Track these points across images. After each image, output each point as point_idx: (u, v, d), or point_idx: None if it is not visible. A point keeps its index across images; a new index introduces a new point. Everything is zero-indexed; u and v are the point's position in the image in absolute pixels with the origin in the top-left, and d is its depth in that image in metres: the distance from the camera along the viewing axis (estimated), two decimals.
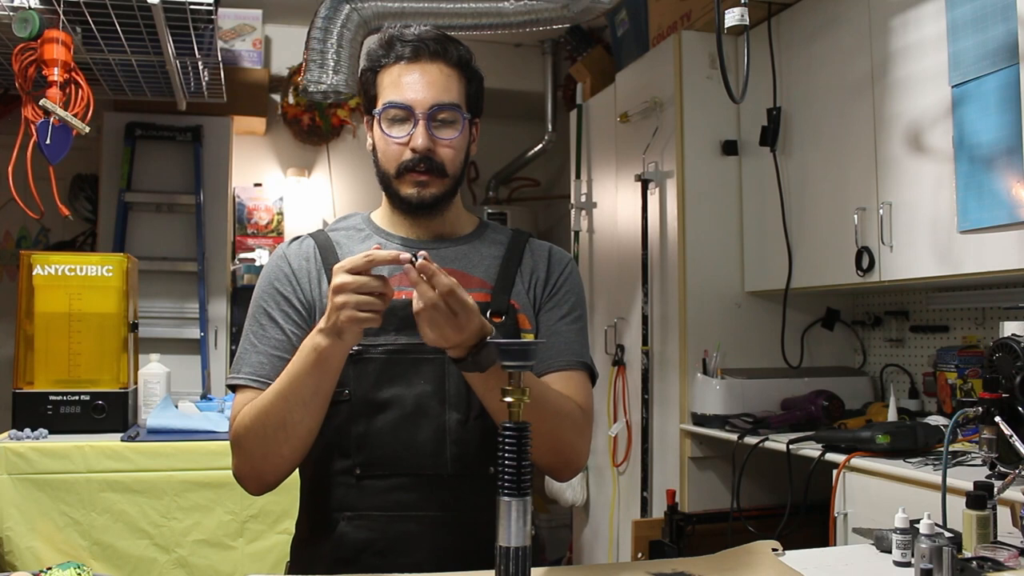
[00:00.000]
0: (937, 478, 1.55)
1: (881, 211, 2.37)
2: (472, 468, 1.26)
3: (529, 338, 1.33)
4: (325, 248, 1.34)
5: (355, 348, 1.23)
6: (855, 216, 2.45)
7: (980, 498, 1.25)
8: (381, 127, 1.29)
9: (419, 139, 1.27)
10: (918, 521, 1.22)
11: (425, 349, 1.24)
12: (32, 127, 2.44)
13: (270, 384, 1.25)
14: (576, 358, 1.34)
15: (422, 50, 1.29)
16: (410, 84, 1.28)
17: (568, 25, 3.47)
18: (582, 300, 1.41)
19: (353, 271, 1.10)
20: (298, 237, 1.38)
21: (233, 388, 1.31)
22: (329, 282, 1.27)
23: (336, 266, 1.11)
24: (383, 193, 1.36)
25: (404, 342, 1.26)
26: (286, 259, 1.33)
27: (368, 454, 1.25)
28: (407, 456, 1.25)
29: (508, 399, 1.00)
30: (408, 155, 1.28)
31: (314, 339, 1.15)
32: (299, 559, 1.33)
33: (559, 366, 1.32)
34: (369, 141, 1.36)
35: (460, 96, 1.31)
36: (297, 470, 1.31)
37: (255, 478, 1.27)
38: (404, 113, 1.28)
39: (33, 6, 2.49)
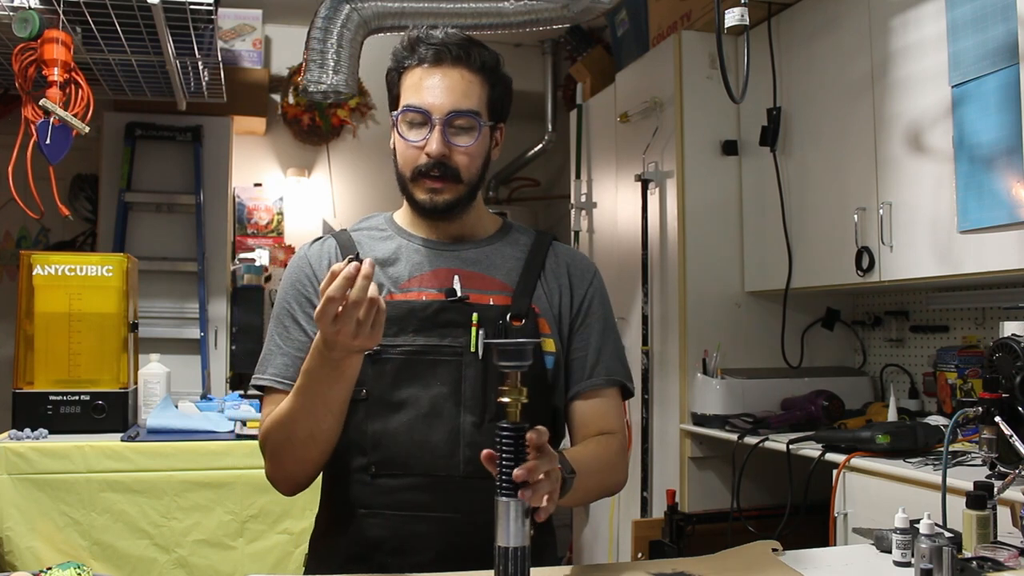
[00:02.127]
0: (937, 478, 1.55)
1: (881, 211, 2.37)
2: (485, 471, 1.24)
3: (549, 343, 1.33)
4: (347, 248, 1.34)
5: (374, 348, 1.24)
6: (855, 216, 2.45)
7: (980, 498, 1.25)
8: (399, 129, 1.29)
9: (434, 144, 1.27)
10: (918, 521, 1.22)
11: (443, 351, 1.27)
12: (32, 127, 2.44)
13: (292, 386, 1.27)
14: (609, 376, 1.36)
15: (444, 54, 1.28)
16: (429, 88, 1.28)
17: (568, 25, 3.47)
18: (610, 309, 1.42)
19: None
20: (320, 237, 1.39)
21: (260, 389, 1.33)
22: None
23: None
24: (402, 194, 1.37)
25: (422, 343, 1.27)
26: (307, 260, 1.35)
27: (383, 453, 1.26)
28: (421, 456, 1.25)
29: (505, 399, 1.01)
30: (423, 159, 1.28)
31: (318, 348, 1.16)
32: (316, 552, 1.35)
33: (594, 386, 1.35)
34: (392, 141, 1.36)
35: (480, 102, 1.30)
36: None
37: (287, 480, 1.29)
38: (421, 117, 1.28)
39: (33, 6, 2.50)
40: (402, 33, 1.36)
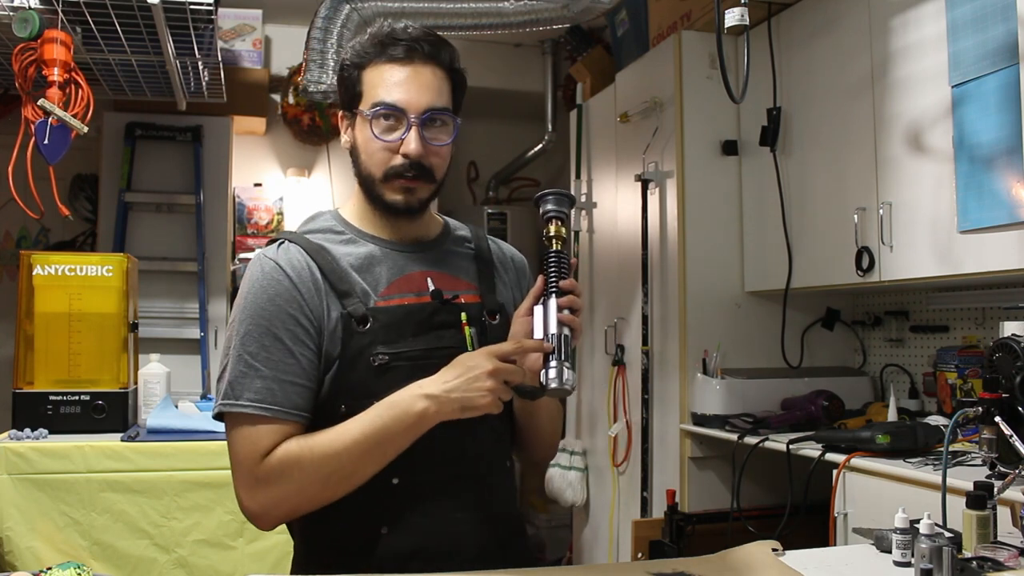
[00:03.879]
0: (937, 478, 1.55)
1: (881, 211, 2.37)
2: (495, 465, 1.30)
3: None
4: (316, 253, 1.26)
5: (383, 358, 1.22)
6: (855, 216, 2.45)
7: (980, 498, 1.25)
8: (371, 129, 1.24)
9: (412, 145, 1.23)
10: (918, 521, 1.22)
11: (443, 352, 1.24)
12: (32, 127, 2.44)
13: (283, 412, 1.18)
14: None
15: (416, 51, 1.25)
16: (402, 85, 1.24)
17: (568, 25, 3.47)
18: None
19: (505, 357, 1.16)
20: (280, 243, 1.28)
21: (222, 416, 1.22)
22: (334, 290, 1.24)
23: (488, 350, 1.17)
24: (361, 192, 1.32)
25: (423, 347, 1.25)
26: (282, 271, 1.23)
27: (404, 463, 1.21)
28: (442, 459, 1.25)
29: (551, 234, 1.26)
30: (399, 160, 1.24)
31: (420, 403, 1.16)
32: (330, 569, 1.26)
33: None
34: (346, 139, 1.31)
35: (450, 100, 1.28)
36: None
37: (283, 517, 1.22)
38: (395, 116, 1.24)
39: (33, 6, 2.49)
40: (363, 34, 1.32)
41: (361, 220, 1.33)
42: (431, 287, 1.29)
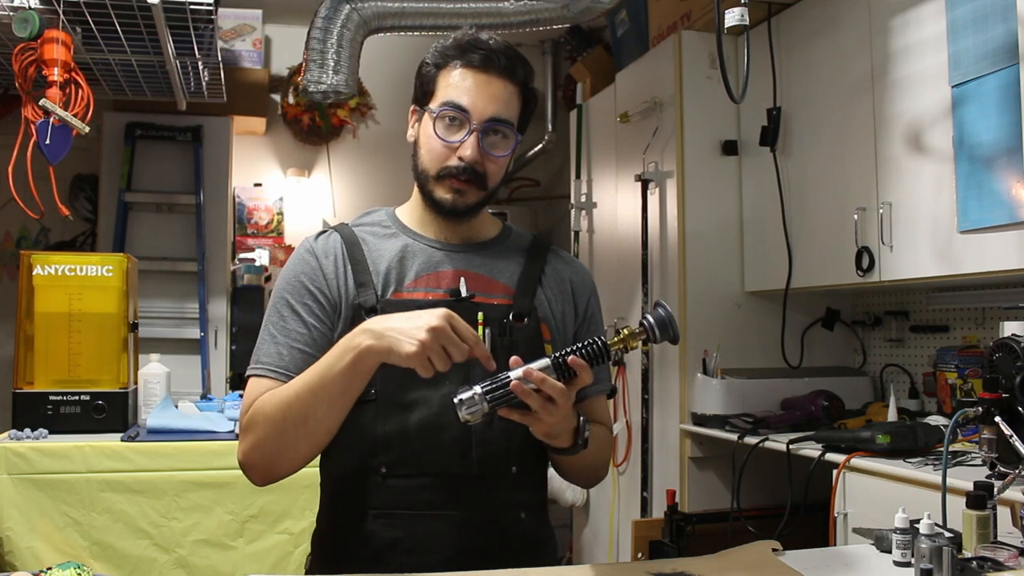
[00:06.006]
0: (937, 478, 1.55)
1: (881, 211, 2.37)
2: (497, 468, 1.28)
3: (548, 349, 1.34)
4: (351, 244, 1.33)
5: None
6: (855, 216, 2.45)
7: (980, 498, 1.25)
8: (434, 127, 1.28)
9: (468, 150, 1.27)
10: (918, 521, 1.22)
11: None
12: (32, 127, 2.44)
13: (283, 374, 1.25)
14: (607, 383, 1.43)
15: (492, 61, 1.28)
16: (473, 91, 1.27)
17: (568, 25, 3.47)
18: (601, 315, 1.48)
19: (460, 331, 1.11)
20: (324, 231, 1.37)
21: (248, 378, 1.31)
22: (355, 277, 1.30)
23: (450, 314, 1.11)
24: (416, 189, 1.36)
25: None
26: (313, 253, 1.33)
27: (395, 454, 1.25)
28: (433, 456, 1.25)
29: (619, 335, 1.15)
30: (455, 161, 1.28)
31: (359, 337, 1.15)
32: (322, 554, 1.34)
33: (595, 393, 1.39)
34: (411, 132, 1.35)
35: (516, 114, 1.31)
36: (318, 466, 1.34)
37: (264, 468, 1.25)
38: (461, 118, 1.27)
39: (33, 6, 2.50)
40: (428, 34, 1.34)
41: (410, 218, 1.39)
42: (460, 287, 1.31)
